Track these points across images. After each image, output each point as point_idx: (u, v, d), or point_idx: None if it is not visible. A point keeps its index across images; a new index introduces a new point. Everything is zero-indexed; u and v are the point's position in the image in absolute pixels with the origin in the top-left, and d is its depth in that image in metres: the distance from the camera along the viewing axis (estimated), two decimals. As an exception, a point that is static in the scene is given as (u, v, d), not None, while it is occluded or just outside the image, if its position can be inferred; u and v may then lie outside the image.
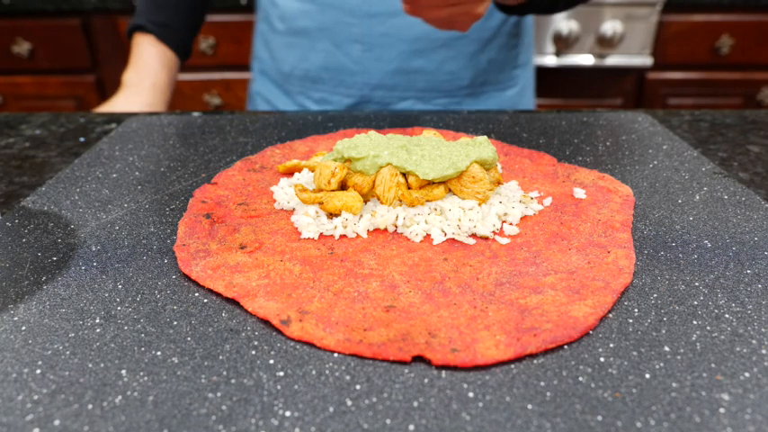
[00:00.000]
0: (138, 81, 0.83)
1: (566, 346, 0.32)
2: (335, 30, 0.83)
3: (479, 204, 0.45)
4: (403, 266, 0.39)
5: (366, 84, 0.84)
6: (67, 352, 0.32)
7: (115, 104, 0.81)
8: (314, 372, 0.30)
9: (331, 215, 0.45)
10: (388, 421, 0.27)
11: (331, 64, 0.85)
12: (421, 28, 0.81)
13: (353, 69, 0.85)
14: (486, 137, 0.48)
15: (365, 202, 0.46)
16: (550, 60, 1.56)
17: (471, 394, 0.29)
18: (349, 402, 0.28)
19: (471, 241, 0.42)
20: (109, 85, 1.67)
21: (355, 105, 0.86)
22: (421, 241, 0.42)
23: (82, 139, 0.65)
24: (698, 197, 0.49)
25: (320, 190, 0.46)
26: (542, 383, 0.29)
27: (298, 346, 0.32)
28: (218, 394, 0.29)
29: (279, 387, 0.29)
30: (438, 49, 0.83)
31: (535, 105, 1.00)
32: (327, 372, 0.30)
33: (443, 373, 0.30)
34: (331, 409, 0.28)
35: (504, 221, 0.45)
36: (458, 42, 0.83)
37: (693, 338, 0.32)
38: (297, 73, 0.88)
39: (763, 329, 0.33)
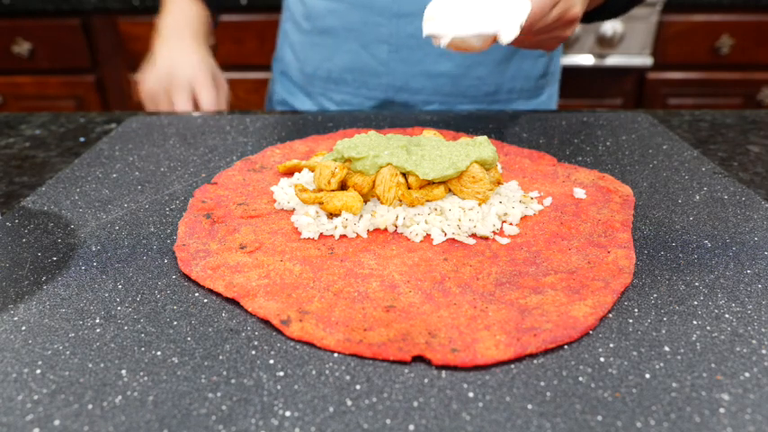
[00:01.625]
0: (174, 22, 0.83)
1: (566, 346, 0.32)
2: (363, 30, 0.81)
3: (479, 204, 0.45)
4: (403, 266, 0.39)
5: (390, 86, 0.83)
6: (67, 352, 0.32)
7: (160, 54, 0.81)
8: (314, 372, 0.30)
9: (331, 215, 0.45)
10: (388, 421, 0.27)
11: (356, 65, 0.83)
12: None
13: (379, 71, 0.83)
14: (485, 137, 0.48)
15: (365, 202, 0.46)
16: (550, 60, 1.56)
17: (471, 394, 0.29)
18: (349, 402, 0.28)
19: (471, 241, 0.42)
20: (109, 85, 1.67)
21: (377, 108, 0.85)
22: (421, 241, 0.42)
23: (82, 139, 0.65)
24: (698, 197, 0.49)
25: (320, 190, 0.46)
26: (542, 383, 0.29)
27: (298, 346, 0.32)
28: (218, 394, 0.29)
29: (279, 387, 0.29)
30: (466, 53, 0.80)
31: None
32: (327, 372, 0.30)
33: (443, 373, 0.30)
34: (331, 409, 0.28)
35: (504, 221, 0.45)
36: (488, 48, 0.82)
37: (693, 338, 0.32)
38: (320, 74, 0.87)
39: (763, 329, 0.33)
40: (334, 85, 0.86)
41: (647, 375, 0.30)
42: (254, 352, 0.32)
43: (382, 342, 0.32)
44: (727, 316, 0.34)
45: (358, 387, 0.29)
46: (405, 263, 0.39)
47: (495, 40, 0.47)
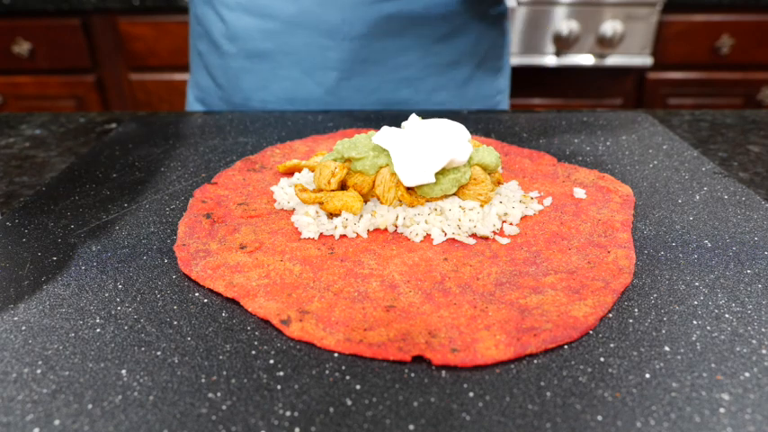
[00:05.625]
0: None
1: (566, 346, 0.32)
2: (305, 54, 0.69)
3: (481, 206, 0.45)
4: (403, 266, 0.39)
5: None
6: (67, 352, 0.32)
7: None
8: (314, 372, 0.30)
9: (331, 215, 0.45)
10: (387, 421, 0.27)
11: (298, 94, 0.72)
12: (410, 53, 0.70)
13: (326, 100, 0.72)
14: (491, 148, 0.48)
15: (365, 202, 0.45)
16: (550, 60, 1.56)
17: (471, 394, 0.29)
18: (349, 402, 0.28)
19: (471, 241, 0.42)
20: (109, 85, 1.67)
21: None
22: (421, 241, 0.42)
23: (81, 140, 0.65)
24: (698, 197, 0.49)
25: (320, 190, 0.46)
26: (542, 383, 0.29)
27: (298, 346, 0.32)
28: (218, 394, 0.29)
29: (279, 387, 0.29)
30: (429, 78, 0.73)
31: None
32: (327, 372, 0.30)
33: (443, 373, 0.30)
34: (331, 410, 0.28)
35: (504, 221, 0.45)
36: (448, 69, 0.74)
37: (693, 338, 0.32)
38: (252, 105, 0.75)
39: (763, 329, 0.33)
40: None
41: (647, 375, 0.30)
42: (254, 352, 0.32)
43: (382, 342, 0.32)
44: (727, 316, 0.34)
45: (358, 387, 0.29)
46: (405, 263, 0.39)
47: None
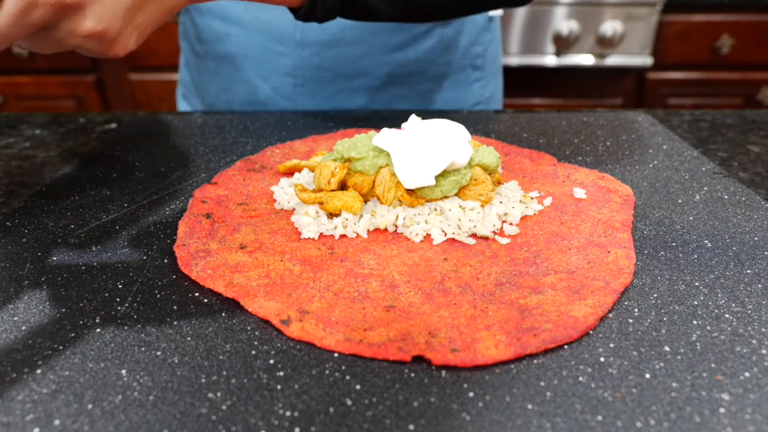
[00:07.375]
0: None
1: (566, 346, 0.32)
2: (261, 59, 0.71)
3: (482, 206, 0.45)
4: (403, 266, 0.39)
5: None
6: (67, 352, 0.32)
7: None
8: (314, 372, 0.30)
9: (331, 215, 0.45)
10: (387, 421, 0.27)
11: (257, 98, 0.73)
12: (365, 62, 0.71)
13: (284, 105, 0.74)
14: (491, 148, 0.47)
15: (365, 202, 0.45)
16: (550, 60, 1.56)
17: (471, 394, 0.29)
18: (349, 402, 0.28)
19: (471, 241, 0.42)
20: (109, 85, 1.67)
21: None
22: (421, 241, 0.42)
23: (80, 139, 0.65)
24: (698, 197, 0.49)
25: (320, 190, 0.46)
26: (542, 383, 0.29)
27: (298, 346, 0.32)
28: (218, 394, 0.29)
29: (279, 387, 0.29)
30: (386, 88, 0.72)
31: None
32: (327, 372, 0.30)
33: (443, 373, 0.30)
34: (331, 410, 0.28)
35: (504, 221, 0.45)
36: (410, 80, 0.73)
37: (693, 338, 0.32)
38: (219, 104, 0.76)
39: (763, 329, 0.33)
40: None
41: (647, 375, 0.30)
42: (254, 352, 0.32)
43: (382, 342, 0.32)
44: (727, 316, 0.34)
45: (358, 387, 0.29)
46: (405, 263, 0.39)
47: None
